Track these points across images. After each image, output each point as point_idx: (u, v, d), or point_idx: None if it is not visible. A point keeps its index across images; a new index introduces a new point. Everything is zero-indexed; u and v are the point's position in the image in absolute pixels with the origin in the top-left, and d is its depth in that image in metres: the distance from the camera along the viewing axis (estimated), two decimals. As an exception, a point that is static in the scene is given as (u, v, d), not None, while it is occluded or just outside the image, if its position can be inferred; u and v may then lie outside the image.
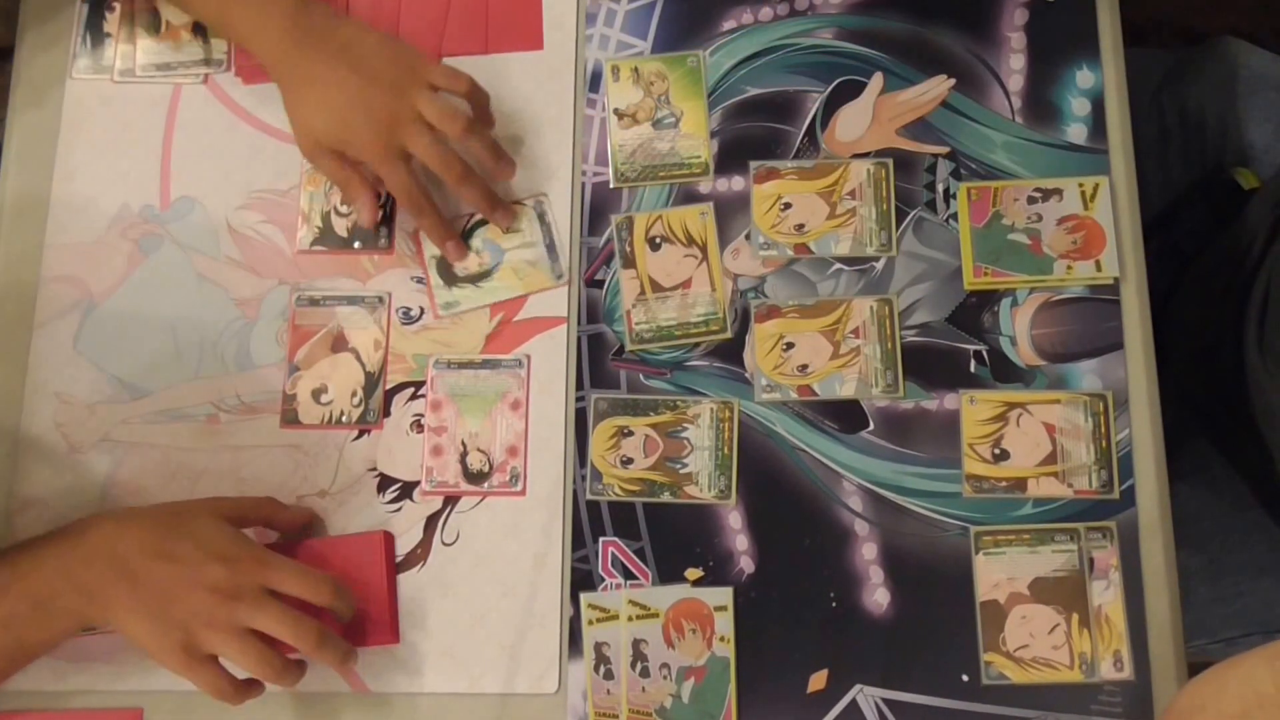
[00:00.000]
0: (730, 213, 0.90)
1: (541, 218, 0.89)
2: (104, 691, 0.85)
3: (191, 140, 0.95)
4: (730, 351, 0.88)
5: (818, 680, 0.81)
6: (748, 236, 0.89)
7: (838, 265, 0.88)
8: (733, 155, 0.91)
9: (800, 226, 0.89)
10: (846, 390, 0.86)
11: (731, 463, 0.85)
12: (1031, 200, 0.87)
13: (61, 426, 0.90)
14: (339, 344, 0.90)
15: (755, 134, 0.91)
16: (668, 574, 0.84)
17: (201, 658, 0.77)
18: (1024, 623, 0.81)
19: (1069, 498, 0.83)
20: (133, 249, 0.93)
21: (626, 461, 0.86)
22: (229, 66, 0.96)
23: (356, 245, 0.92)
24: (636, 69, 0.93)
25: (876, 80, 0.91)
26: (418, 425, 0.88)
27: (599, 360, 0.88)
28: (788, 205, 0.89)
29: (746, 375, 0.87)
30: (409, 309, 0.90)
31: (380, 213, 0.89)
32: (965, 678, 0.81)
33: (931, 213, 0.89)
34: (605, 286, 0.90)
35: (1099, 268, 0.86)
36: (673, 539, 0.84)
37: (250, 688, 0.79)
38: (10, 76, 0.97)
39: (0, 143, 0.96)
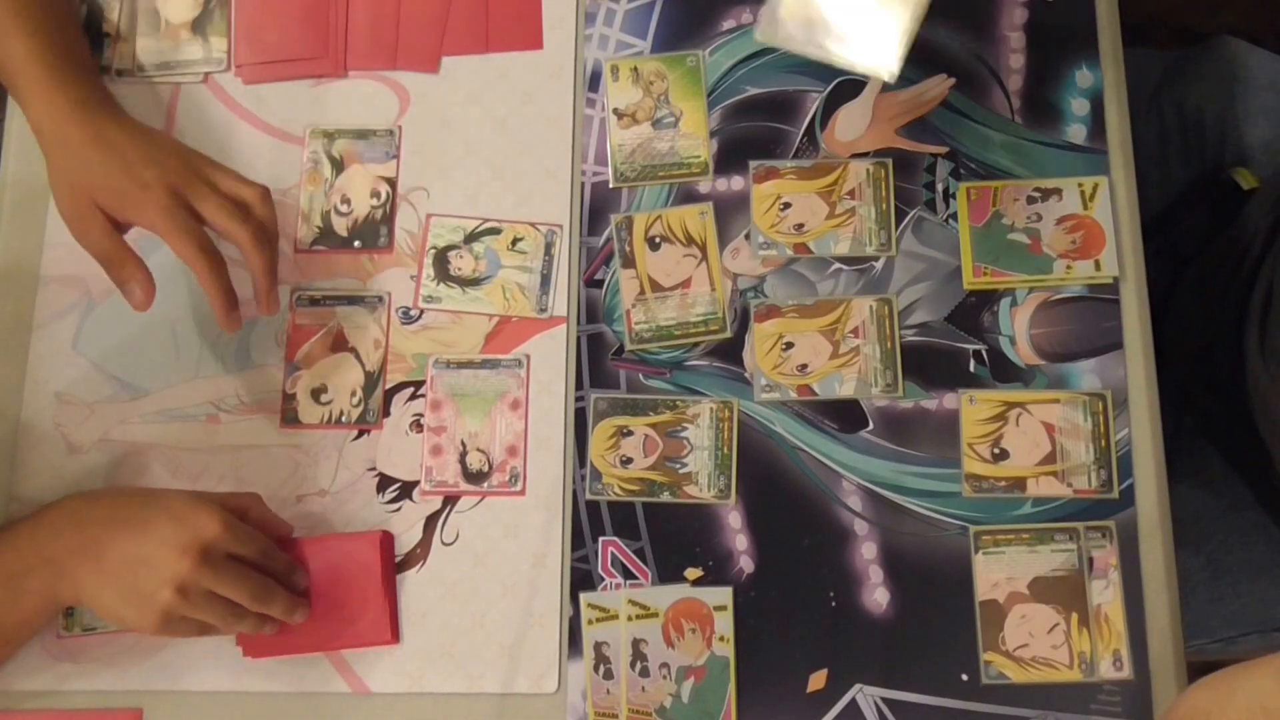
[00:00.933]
0: (730, 212, 0.90)
1: (548, 248, 0.89)
2: (104, 692, 0.85)
3: (191, 140, 0.94)
4: (730, 351, 0.88)
5: (817, 679, 0.81)
6: (747, 236, 0.89)
7: (837, 265, 0.88)
8: (732, 155, 0.91)
9: (800, 226, 0.89)
10: (846, 390, 0.86)
11: (731, 462, 0.85)
12: (1031, 200, 0.87)
13: (61, 426, 0.90)
14: (339, 343, 0.90)
15: (755, 133, 0.91)
16: (667, 574, 0.84)
17: (174, 618, 0.78)
18: (1023, 622, 0.81)
19: (1068, 497, 0.83)
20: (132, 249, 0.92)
21: (626, 461, 0.86)
22: (228, 66, 0.96)
23: (356, 245, 0.92)
24: (636, 69, 0.93)
25: (876, 80, 0.91)
26: (417, 425, 0.88)
27: (598, 360, 0.88)
28: (787, 205, 0.89)
29: (746, 375, 0.87)
30: (409, 309, 0.90)
31: (154, 293, 0.83)
32: (965, 677, 0.81)
33: (931, 212, 0.89)
34: (605, 286, 0.90)
35: (1098, 267, 0.86)
36: (672, 539, 0.84)
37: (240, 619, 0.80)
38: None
39: (0, 142, 0.96)
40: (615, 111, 0.92)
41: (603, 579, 0.84)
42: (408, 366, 0.89)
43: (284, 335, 0.90)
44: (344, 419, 0.88)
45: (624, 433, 0.86)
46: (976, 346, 0.86)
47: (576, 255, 0.90)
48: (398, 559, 0.86)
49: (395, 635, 0.84)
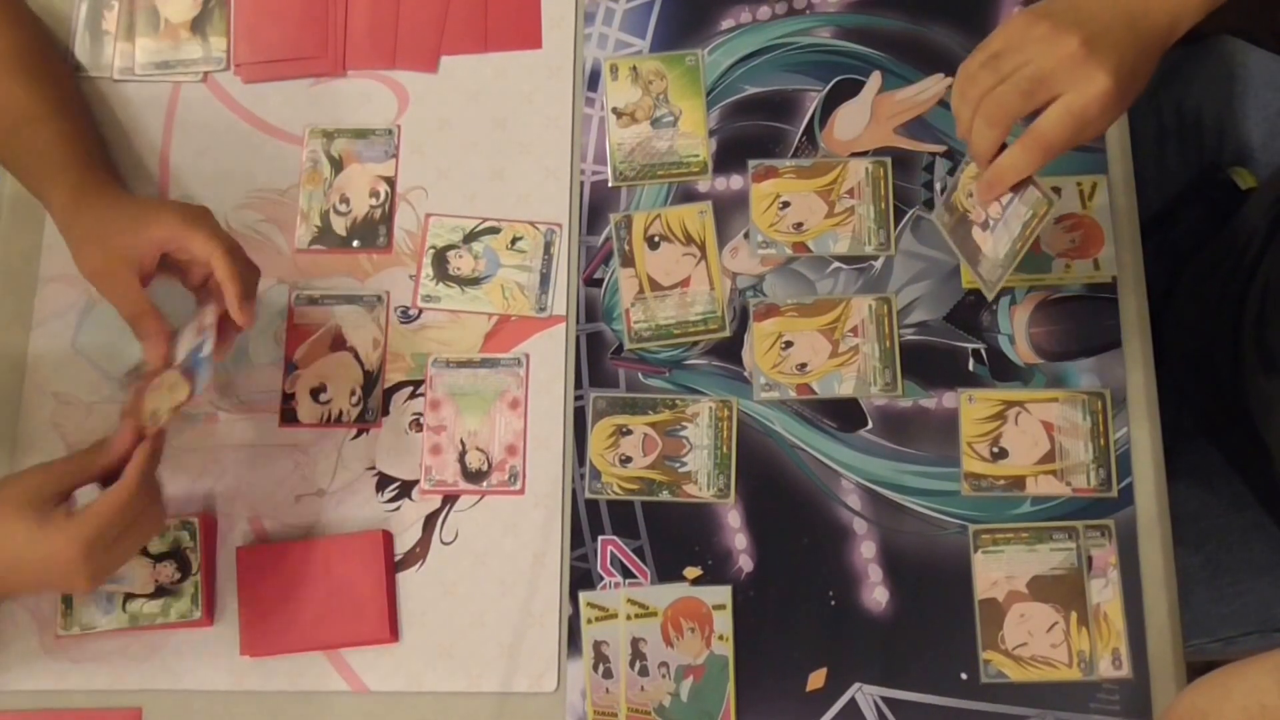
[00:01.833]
0: (729, 211, 0.90)
1: (547, 248, 0.89)
2: (103, 691, 0.85)
3: (190, 139, 0.95)
4: (729, 350, 0.88)
5: (816, 679, 0.81)
6: (746, 235, 0.89)
7: (836, 264, 0.88)
8: (731, 154, 0.91)
9: (799, 225, 0.89)
10: (845, 389, 0.86)
11: (730, 461, 0.85)
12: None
13: (59, 426, 0.90)
14: (337, 343, 0.90)
15: (754, 133, 0.91)
16: (666, 572, 0.84)
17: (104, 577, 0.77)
18: (1022, 621, 0.81)
19: (1067, 496, 0.83)
20: (131, 248, 0.92)
21: (625, 460, 0.86)
22: (228, 65, 0.96)
23: (355, 244, 0.92)
24: (635, 68, 0.93)
25: (875, 79, 0.91)
26: (416, 424, 0.88)
27: (598, 359, 0.88)
28: (786, 204, 0.89)
29: (745, 374, 0.87)
30: (408, 308, 0.90)
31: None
32: (964, 676, 0.81)
33: (930, 211, 0.89)
34: (604, 285, 0.90)
35: (1097, 266, 0.86)
36: (671, 537, 0.84)
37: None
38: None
39: None
40: (614, 111, 0.92)
41: (602, 578, 0.84)
42: (407, 366, 0.89)
43: (283, 334, 0.90)
44: (343, 418, 0.88)
45: (623, 432, 0.86)
46: (975, 345, 0.86)
47: (576, 254, 0.90)
48: (397, 558, 0.86)
49: (394, 634, 0.84)
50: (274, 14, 0.96)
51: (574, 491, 0.86)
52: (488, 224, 0.91)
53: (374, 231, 0.92)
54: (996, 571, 0.82)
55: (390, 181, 0.93)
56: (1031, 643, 0.81)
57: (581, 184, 0.92)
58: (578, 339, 0.89)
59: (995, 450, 0.84)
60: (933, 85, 0.91)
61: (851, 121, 0.91)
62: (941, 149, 0.90)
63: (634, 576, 0.84)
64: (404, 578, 0.85)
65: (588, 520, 0.85)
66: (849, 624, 0.82)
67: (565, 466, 0.86)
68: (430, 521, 0.86)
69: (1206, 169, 1.09)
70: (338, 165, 0.93)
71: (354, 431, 0.88)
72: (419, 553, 0.86)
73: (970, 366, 0.86)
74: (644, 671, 0.82)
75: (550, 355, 0.88)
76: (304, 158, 0.93)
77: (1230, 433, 1.00)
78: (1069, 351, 0.86)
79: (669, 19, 0.94)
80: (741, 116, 0.92)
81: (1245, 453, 0.98)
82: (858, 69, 0.92)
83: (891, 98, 0.91)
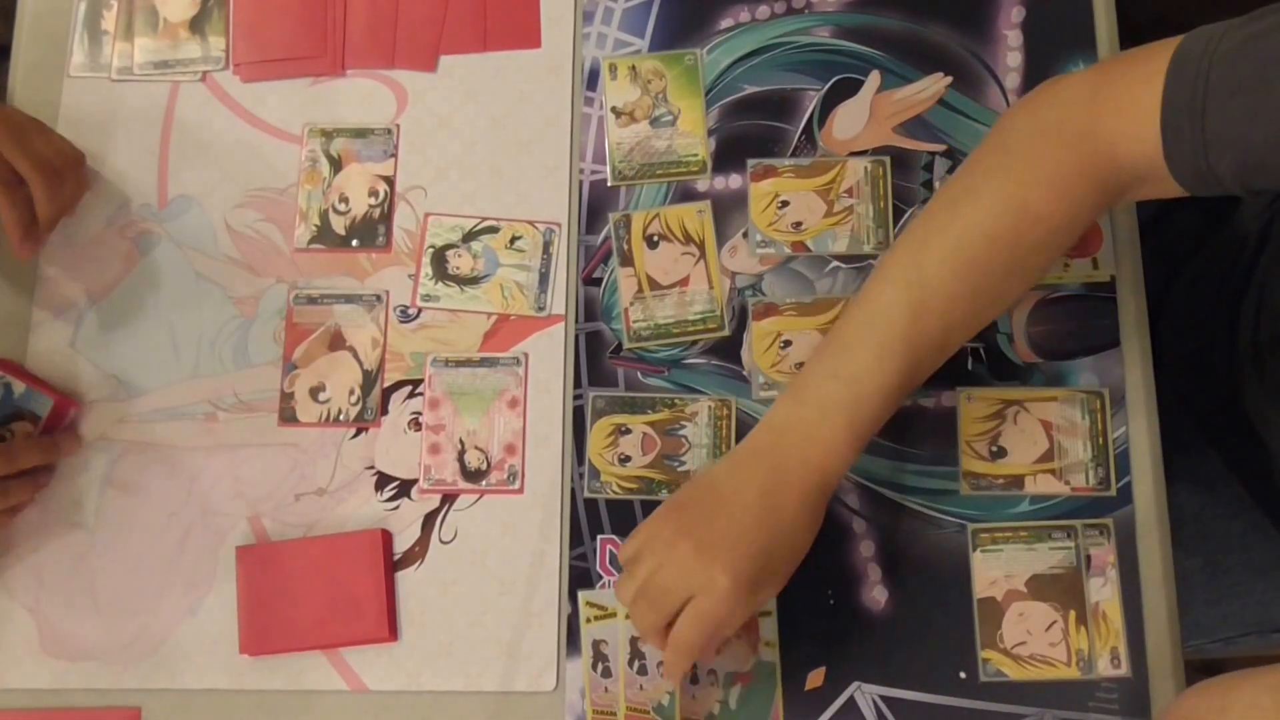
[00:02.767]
0: (728, 211, 0.90)
1: (546, 246, 0.89)
2: (102, 690, 0.85)
3: (189, 139, 0.95)
4: (728, 349, 0.88)
5: (815, 678, 0.81)
6: (745, 234, 0.89)
7: (835, 263, 0.88)
8: (730, 153, 0.91)
9: (798, 224, 0.89)
10: (844, 388, 0.86)
11: (729, 460, 0.85)
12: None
13: (59, 425, 0.90)
14: (336, 342, 0.90)
15: (752, 132, 0.91)
16: (665, 571, 0.84)
17: None
18: (1021, 620, 0.81)
19: (1066, 495, 0.83)
20: (130, 247, 0.93)
21: (624, 459, 0.86)
22: (227, 65, 0.96)
23: (354, 244, 0.92)
24: (634, 67, 0.93)
25: (874, 78, 0.91)
26: (415, 423, 0.88)
27: (597, 358, 0.88)
28: (785, 203, 0.89)
29: (744, 373, 0.87)
30: (407, 307, 0.90)
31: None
32: (963, 675, 0.81)
33: (929, 210, 0.89)
34: (603, 284, 0.90)
35: (1095, 266, 0.86)
36: (670, 536, 0.84)
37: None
38: (8, 75, 0.97)
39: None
40: (613, 110, 0.92)
41: (601, 577, 0.84)
42: (406, 365, 0.89)
43: (282, 334, 0.90)
44: (342, 417, 0.88)
45: (622, 431, 0.86)
46: (974, 344, 0.86)
47: (575, 254, 0.90)
48: (396, 557, 0.86)
49: (393, 633, 0.84)
50: (273, 13, 0.96)
51: (573, 491, 0.86)
52: (487, 223, 0.91)
53: (373, 231, 0.92)
54: (995, 570, 0.82)
55: (389, 181, 0.93)
56: (1030, 641, 0.81)
57: (580, 183, 0.92)
58: (577, 338, 0.89)
59: (994, 449, 0.84)
60: (932, 84, 0.91)
61: (850, 121, 0.91)
62: (941, 148, 0.90)
63: (633, 576, 0.84)
64: (403, 577, 0.85)
65: (587, 519, 0.85)
66: (848, 623, 0.82)
67: (564, 466, 0.86)
68: (429, 521, 0.86)
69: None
70: (337, 164, 0.93)
71: (353, 431, 0.88)
72: (418, 552, 0.86)
73: (969, 365, 0.86)
74: (643, 670, 0.81)
75: (549, 354, 0.88)
76: (303, 157, 0.93)
77: (1228, 435, 1.00)
78: (1068, 350, 0.86)
79: (668, 18, 0.94)
80: (740, 116, 0.92)
81: (1243, 455, 0.98)
82: (857, 68, 0.92)
83: (890, 97, 0.91)
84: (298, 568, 0.85)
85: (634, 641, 0.82)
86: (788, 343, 0.87)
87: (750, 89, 0.92)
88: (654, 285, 0.89)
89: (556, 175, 0.92)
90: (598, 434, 0.87)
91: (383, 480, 0.87)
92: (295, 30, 0.96)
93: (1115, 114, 0.71)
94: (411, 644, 0.84)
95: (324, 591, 0.84)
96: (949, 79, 0.91)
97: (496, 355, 0.89)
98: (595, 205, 0.91)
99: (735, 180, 0.91)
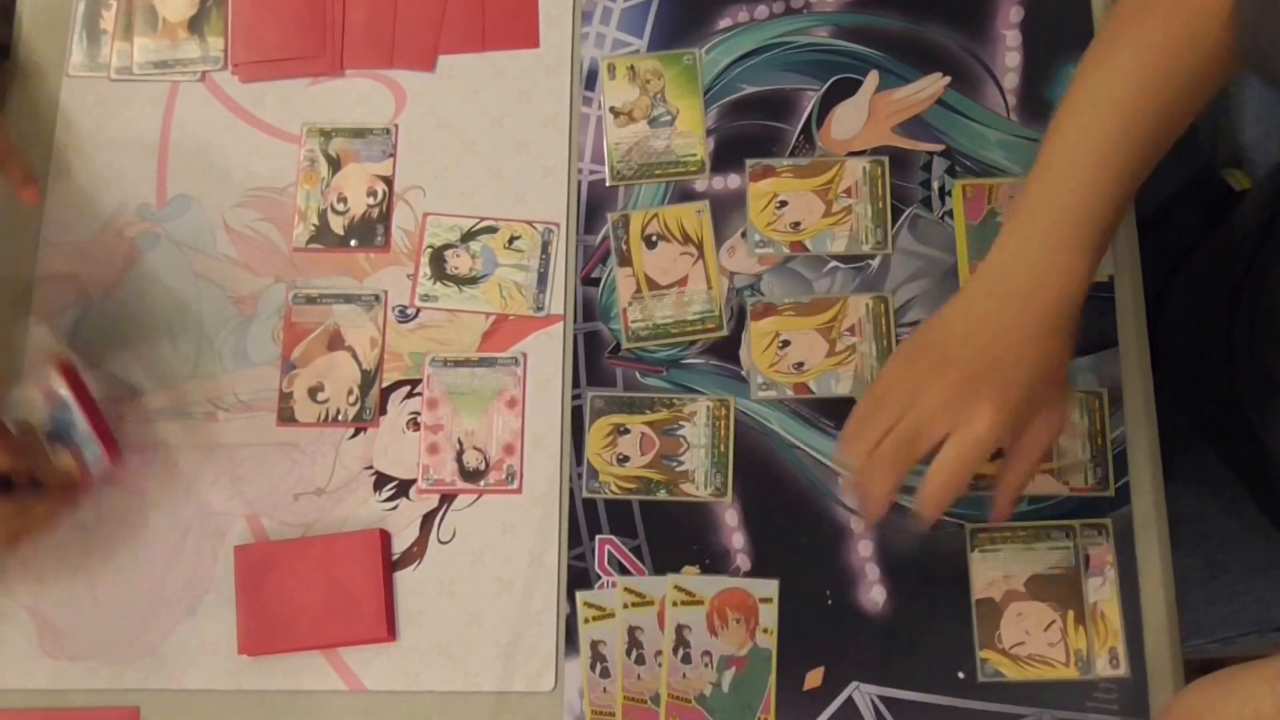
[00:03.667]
0: (726, 210, 0.90)
1: (545, 247, 0.89)
2: (100, 690, 0.85)
3: (188, 138, 0.95)
4: (726, 349, 0.88)
5: (814, 677, 0.81)
6: (744, 234, 0.89)
7: (833, 263, 0.88)
8: (729, 153, 0.91)
9: (796, 224, 0.89)
10: (843, 388, 0.86)
11: (727, 460, 0.85)
12: None
13: (58, 425, 0.90)
14: (335, 342, 0.90)
15: (751, 132, 0.91)
16: (664, 571, 0.84)
17: None
18: (1020, 620, 0.81)
19: (1064, 495, 0.83)
20: (130, 247, 0.93)
21: (623, 459, 0.86)
22: (226, 65, 0.96)
23: (353, 243, 0.92)
24: (633, 67, 0.93)
25: (872, 78, 0.91)
26: (414, 423, 0.88)
27: (595, 358, 0.88)
28: (784, 203, 0.89)
29: (742, 373, 0.87)
30: (405, 307, 0.90)
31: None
32: (961, 675, 0.81)
33: (927, 210, 0.89)
34: (601, 284, 0.90)
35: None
36: (669, 536, 0.84)
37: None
38: (8, 75, 0.97)
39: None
40: (612, 110, 0.92)
41: (599, 577, 0.84)
42: (404, 365, 0.89)
43: (280, 334, 0.90)
44: (341, 417, 0.88)
45: (621, 431, 0.86)
46: (973, 344, 0.86)
47: (573, 253, 0.90)
48: (395, 557, 0.85)
49: (392, 633, 0.84)
50: (272, 14, 0.96)
51: (571, 491, 0.86)
52: (485, 223, 0.91)
53: (372, 230, 0.92)
54: (994, 570, 0.82)
55: (388, 181, 0.93)
56: (1029, 642, 0.80)
57: (579, 183, 0.92)
58: (575, 338, 0.89)
59: (993, 449, 0.84)
60: (930, 84, 0.91)
61: (849, 121, 0.91)
62: (939, 148, 0.90)
63: (631, 576, 0.84)
64: (401, 577, 0.85)
65: (585, 519, 0.85)
66: (846, 623, 0.82)
67: (563, 466, 0.86)
68: (428, 521, 0.86)
69: (1201, 171, 1.09)
70: (335, 164, 0.93)
71: (351, 431, 0.88)
72: (416, 552, 0.86)
73: (968, 365, 0.86)
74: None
75: (548, 354, 0.88)
76: (301, 157, 0.93)
77: (1227, 434, 1.00)
78: (1066, 350, 0.86)
79: (666, 18, 0.94)
80: (739, 116, 0.92)
81: (1242, 454, 0.98)
82: (855, 68, 0.92)
83: (889, 97, 0.91)
84: (296, 568, 0.85)
85: (631, 632, 0.82)
86: (786, 342, 0.87)
87: (749, 89, 0.92)
88: (652, 285, 0.89)
89: (555, 175, 0.92)
90: (596, 434, 0.87)
91: (381, 480, 0.87)
92: (294, 30, 0.96)
93: None
94: (410, 644, 0.84)
95: (322, 591, 0.84)
96: (947, 79, 0.91)
97: (495, 355, 0.89)
98: (594, 205, 0.91)
99: (734, 180, 0.91)
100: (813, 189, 0.89)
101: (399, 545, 0.86)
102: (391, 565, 0.85)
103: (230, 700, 0.84)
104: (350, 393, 0.89)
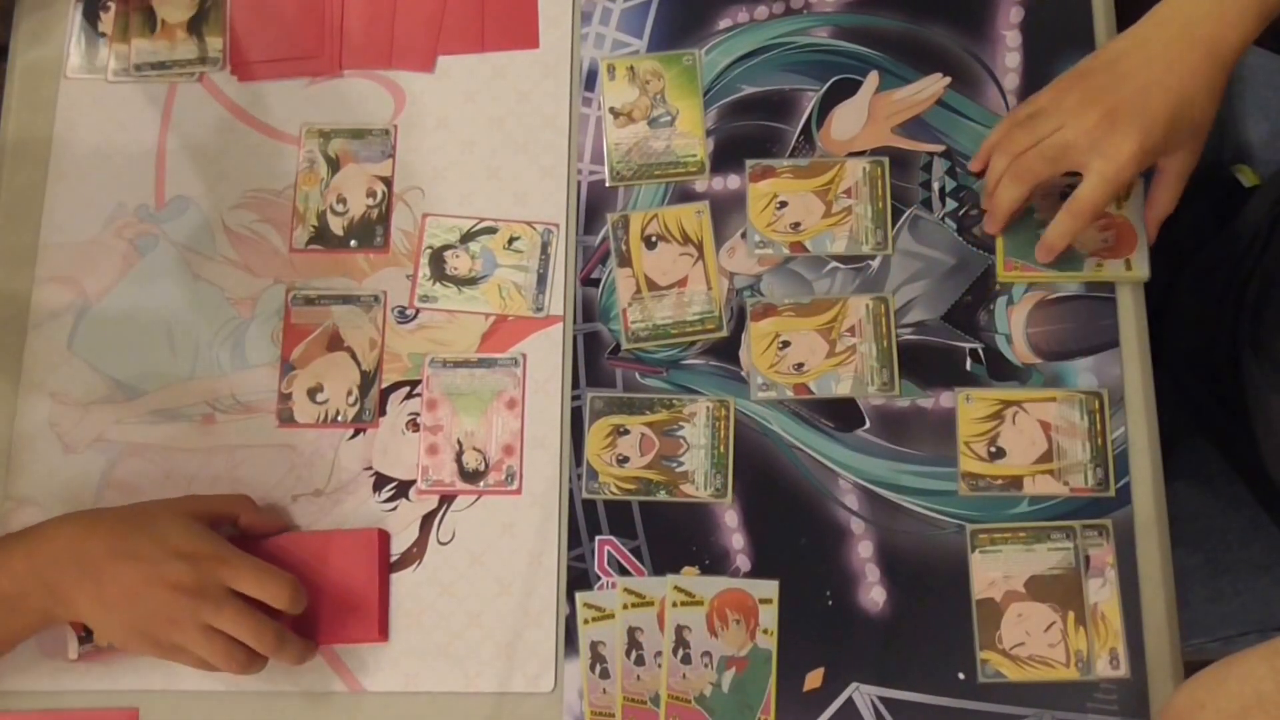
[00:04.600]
0: (726, 211, 0.90)
1: (544, 247, 0.89)
2: (100, 691, 0.85)
3: (186, 139, 0.95)
4: (726, 350, 0.88)
5: (814, 678, 0.81)
6: (743, 235, 0.89)
7: (833, 263, 0.88)
8: (728, 154, 0.91)
9: (796, 225, 0.89)
10: (842, 388, 0.86)
11: (727, 461, 0.85)
12: (1064, 195, 0.87)
13: (56, 426, 0.89)
14: (334, 343, 0.90)
15: (751, 132, 0.91)
16: (664, 572, 0.84)
17: (172, 648, 0.78)
18: (1020, 620, 0.81)
19: (1065, 495, 0.83)
20: (128, 248, 0.93)
21: (622, 460, 0.86)
22: (224, 65, 0.96)
23: (352, 244, 0.92)
24: (632, 67, 0.93)
25: (872, 79, 0.91)
26: (413, 424, 0.88)
27: (595, 359, 0.88)
28: (783, 204, 0.89)
29: (742, 374, 0.87)
30: (404, 308, 0.90)
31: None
32: (961, 675, 0.80)
33: (927, 211, 0.89)
34: (601, 285, 0.89)
35: (1129, 267, 0.86)
36: (669, 537, 0.84)
37: (250, 661, 0.79)
38: (5, 76, 0.97)
39: (-4, 141, 0.96)
40: (611, 110, 0.92)
41: (599, 578, 0.84)
42: (404, 366, 0.89)
43: (279, 335, 0.90)
44: (340, 418, 0.88)
45: (620, 431, 0.86)
46: (973, 345, 0.86)
47: (573, 254, 0.90)
48: (394, 558, 0.85)
49: (384, 634, 0.84)
50: (270, 14, 0.96)
51: (571, 491, 0.86)
52: (485, 224, 0.91)
53: (371, 231, 0.92)
54: (994, 571, 0.82)
55: (387, 181, 0.92)
56: (1029, 642, 0.80)
57: (579, 184, 0.91)
58: (575, 339, 0.89)
59: (993, 450, 0.84)
60: (930, 85, 0.91)
61: (849, 121, 0.91)
62: (940, 149, 0.90)
63: (631, 576, 0.84)
64: (401, 578, 0.85)
65: (585, 520, 0.85)
66: (846, 623, 0.82)
67: (562, 466, 0.86)
68: (427, 521, 0.86)
69: (1208, 167, 1.09)
70: (334, 165, 0.93)
71: (351, 431, 0.88)
72: (416, 553, 0.86)
73: (968, 366, 0.86)
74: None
75: (547, 355, 0.88)
76: (300, 158, 0.93)
77: (1229, 432, 1.00)
78: (1067, 351, 0.85)
79: (666, 18, 0.94)
80: (739, 116, 0.92)
81: (1244, 452, 0.98)
82: (855, 68, 0.92)
83: (889, 97, 0.91)
84: (291, 564, 0.83)
85: (631, 633, 0.82)
86: (786, 343, 0.87)
87: (749, 89, 0.92)
88: (652, 286, 0.89)
89: (554, 176, 0.92)
90: (596, 435, 0.86)
91: (380, 481, 0.87)
92: (292, 31, 0.96)
93: None
94: (409, 645, 0.84)
95: (317, 588, 0.83)
96: (947, 79, 0.91)
97: (494, 356, 0.88)
98: (593, 206, 0.91)
99: (733, 181, 0.90)
100: (813, 189, 0.89)
101: (398, 546, 0.86)
102: (389, 565, 0.85)
103: (229, 701, 0.84)
104: (349, 394, 0.89)
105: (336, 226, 0.92)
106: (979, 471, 0.84)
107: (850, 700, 0.81)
